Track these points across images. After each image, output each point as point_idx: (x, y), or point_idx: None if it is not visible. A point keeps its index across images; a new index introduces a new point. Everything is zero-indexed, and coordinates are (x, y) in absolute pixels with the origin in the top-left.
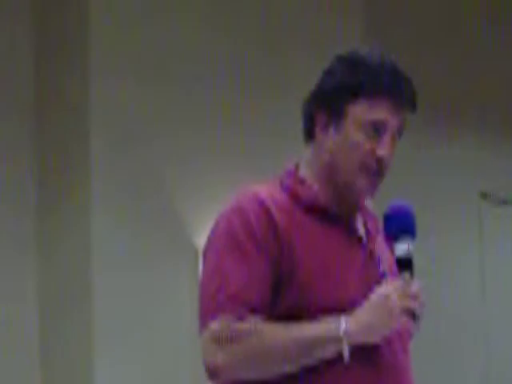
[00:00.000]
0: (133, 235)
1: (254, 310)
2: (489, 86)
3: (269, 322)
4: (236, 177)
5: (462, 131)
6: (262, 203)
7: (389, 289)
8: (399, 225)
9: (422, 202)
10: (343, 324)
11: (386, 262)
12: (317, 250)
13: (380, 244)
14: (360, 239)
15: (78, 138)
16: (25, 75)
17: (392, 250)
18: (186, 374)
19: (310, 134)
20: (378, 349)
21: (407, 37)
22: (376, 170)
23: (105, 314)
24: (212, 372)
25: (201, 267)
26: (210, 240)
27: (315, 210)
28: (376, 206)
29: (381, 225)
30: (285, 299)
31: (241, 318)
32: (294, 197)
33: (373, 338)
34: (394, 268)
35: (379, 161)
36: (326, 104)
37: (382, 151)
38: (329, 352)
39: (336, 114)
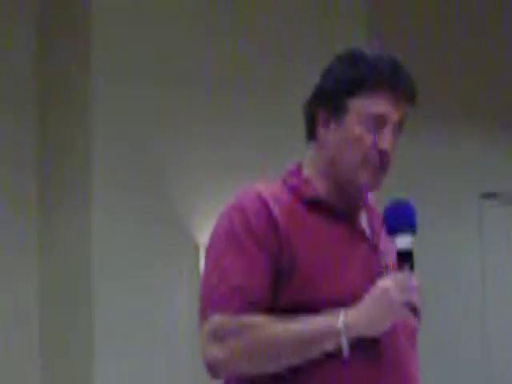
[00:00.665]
0: (133, 233)
1: (253, 305)
2: (490, 86)
3: (268, 317)
4: (237, 174)
5: (463, 131)
6: (262, 201)
7: (389, 282)
8: (400, 219)
9: (422, 201)
10: (342, 317)
11: (390, 258)
12: (318, 247)
13: (384, 240)
14: (363, 235)
15: (79, 136)
16: (27, 73)
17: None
18: (186, 371)
19: (311, 134)
20: (380, 343)
21: (411, 39)
22: (378, 164)
23: (105, 311)
24: (211, 367)
25: (202, 264)
26: (211, 238)
27: (318, 207)
28: (377, 203)
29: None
30: (285, 294)
31: (240, 313)
32: (297, 195)
33: (372, 332)
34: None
35: (381, 154)
36: (327, 100)
37: (384, 144)
38: (328, 346)
39: (337, 110)
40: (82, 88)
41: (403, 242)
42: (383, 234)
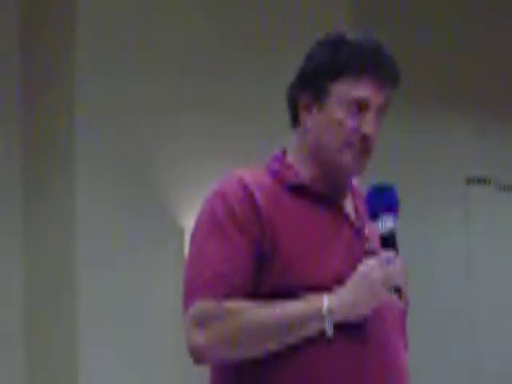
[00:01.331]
0: (118, 218)
1: (235, 291)
2: (476, 72)
3: (251, 302)
4: (222, 159)
5: (448, 116)
6: (244, 186)
7: (370, 265)
8: (382, 202)
9: (408, 186)
10: (326, 301)
11: (376, 243)
12: (301, 232)
13: (370, 225)
14: (348, 220)
15: (63, 120)
16: (12, 59)
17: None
18: (171, 356)
19: (294, 120)
20: (364, 326)
21: (395, 25)
22: (361, 148)
23: (90, 297)
24: (195, 354)
25: (187, 249)
26: (194, 225)
27: (301, 192)
28: (363, 190)
29: None
30: (268, 279)
31: (222, 299)
32: (279, 180)
33: (356, 315)
34: None
35: (364, 138)
36: (309, 85)
37: (366, 128)
38: (312, 330)
39: (318, 94)
40: (69, 71)
41: (386, 225)
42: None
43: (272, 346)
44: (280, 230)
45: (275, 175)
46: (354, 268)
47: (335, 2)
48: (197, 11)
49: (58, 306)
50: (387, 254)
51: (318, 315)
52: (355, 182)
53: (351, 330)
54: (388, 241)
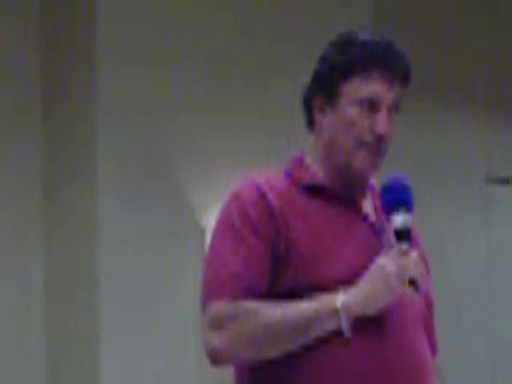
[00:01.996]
0: (139, 215)
1: (250, 291)
2: (498, 70)
3: (267, 302)
4: (243, 158)
5: (468, 112)
6: (256, 188)
7: (385, 259)
8: (396, 196)
9: (427, 182)
10: (341, 297)
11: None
12: (316, 231)
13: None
14: (366, 219)
15: (84, 116)
16: (31, 52)
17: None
18: (191, 353)
19: (310, 122)
20: (381, 321)
21: (415, 24)
22: (375, 147)
23: (110, 292)
24: (212, 355)
25: (206, 248)
26: (213, 228)
27: (318, 193)
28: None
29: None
30: (284, 278)
31: (237, 300)
32: (296, 182)
33: (372, 309)
34: None
35: (378, 137)
36: (322, 86)
37: (379, 127)
38: (328, 327)
39: (331, 95)
40: (89, 67)
41: (400, 219)
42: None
43: (289, 345)
44: (294, 230)
45: (291, 177)
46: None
47: (356, 2)
48: (217, 10)
49: (78, 302)
50: (401, 247)
51: (334, 312)
52: (374, 181)
53: (368, 325)
54: (402, 234)
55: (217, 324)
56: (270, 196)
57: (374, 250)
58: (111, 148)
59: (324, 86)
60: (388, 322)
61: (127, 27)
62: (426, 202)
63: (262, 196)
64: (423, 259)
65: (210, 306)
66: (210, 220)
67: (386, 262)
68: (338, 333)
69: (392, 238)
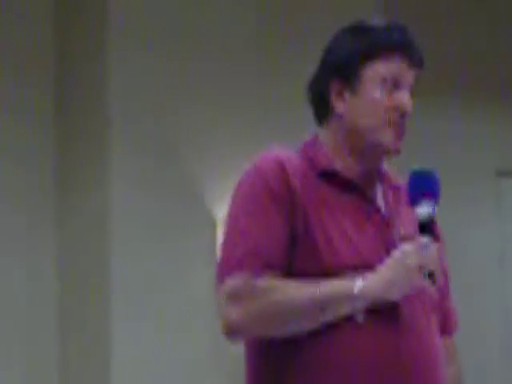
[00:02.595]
0: (151, 206)
1: (271, 267)
2: (505, 61)
3: (285, 280)
4: (256, 148)
5: (480, 107)
6: (280, 165)
7: (408, 248)
8: (423, 188)
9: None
10: (359, 282)
11: (408, 228)
12: (331, 216)
13: (404, 213)
14: (376, 207)
15: (96, 108)
16: (44, 42)
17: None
18: (202, 342)
19: (323, 110)
20: (396, 309)
21: (422, 10)
22: (401, 125)
23: (122, 286)
24: (228, 328)
25: (219, 239)
26: (230, 202)
27: (332, 178)
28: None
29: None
30: (299, 259)
31: (258, 275)
32: (312, 165)
33: (388, 297)
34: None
35: (402, 114)
36: (339, 72)
37: (404, 105)
38: (344, 310)
39: (351, 79)
40: (100, 58)
41: (425, 210)
42: (401, 205)
43: (304, 324)
44: (311, 210)
45: (308, 160)
46: (380, 253)
47: None
48: (230, 3)
49: (90, 292)
50: (423, 239)
51: (351, 296)
52: (385, 167)
53: (382, 313)
54: (425, 227)
55: (235, 298)
56: (291, 174)
57: (384, 238)
58: (124, 139)
59: (342, 72)
60: (401, 311)
61: (140, 20)
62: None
63: (285, 173)
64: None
65: (228, 280)
66: (223, 212)
67: (408, 254)
68: (352, 318)
69: (410, 227)
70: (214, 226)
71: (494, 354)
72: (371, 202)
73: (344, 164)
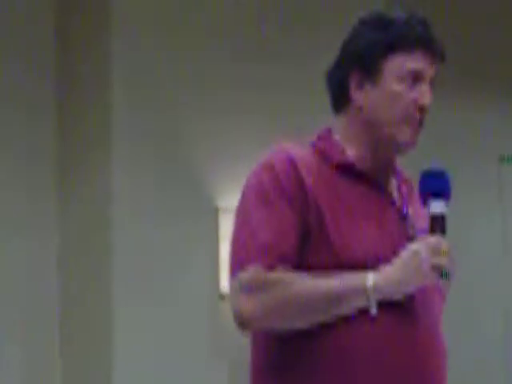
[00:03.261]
0: (153, 193)
1: (282, 262)
2: (508, 49)
3: (298, 273)
4: (258, 136)
5: (483, 94)
6: (291, 161)
7: (419, 245)
8: (435, 185)
9: (441, 163)
10: (371, 278)
11: (420, 223)
12: (345, 209)
13: (416, 208)
14: (391, 200)
15: (98, 96)
16: (46, 28)
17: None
18: (203, 329)
19: (341, 100)
20: (410, 300)
21: (433, 3)
22: (418, 121)
23: (124, 273)
24: (240, 321)
25: (221, 227)
26: (241, 195)
27: (346, 171)
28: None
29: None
30: (312, 253)
31: (270, 268)
32: (325, 158)
33: (400, 292)
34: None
35: (421, 110)
36: (360, 63)
37: (424, 100)
38: (357, 304)
39: (371, 71)
40: (103, 44)
41: (437, 206)
42: (414, 200)
43: (316, 318)
44: (324, 205)
45: (322, 153)
46: (398, 249)
47: None
48: None
49: (92, 282)
50: (436, 236)
51: (363, 290)
52: (400, 167)
53: (396, 305)
54: (438, 222)
55: (249, 289)
56: (302, 168)
57: (399, 233)
58: (126, 126)
59: (363, 64)
60: (415, 302)
61: (144, 6)
62: None
63: (295, 169)
64: None
65: (240, 272)
66: (225, 200)
67: (420, 249)
68: (365, 312)
69: (421, 224)
70: (215, 213)
71: (495, 341)
72: (386, 194)
73: (358, 155)
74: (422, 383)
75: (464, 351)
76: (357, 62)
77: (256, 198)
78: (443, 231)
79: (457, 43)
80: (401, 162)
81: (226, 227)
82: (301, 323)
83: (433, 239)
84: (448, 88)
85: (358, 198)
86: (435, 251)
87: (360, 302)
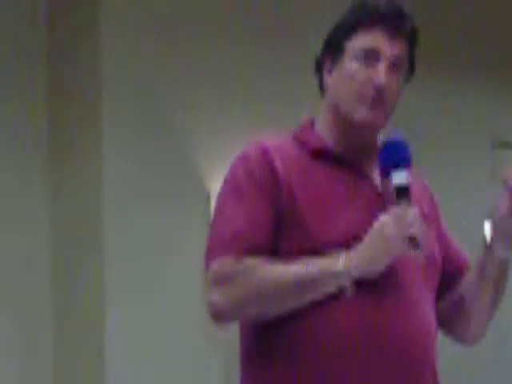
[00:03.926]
0: (145, 179)
1: (254, 249)
2: (503, 34)
3: (269, 260)
4: (248, 122)
5: (474, 79)
6: (264, 151)
7: (385, 218)
8: (393, 155)
9: (433, 149)
10: (343, 259)
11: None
12: (321, 195)
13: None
14: (371, 182)
15: (89, 82)
16: (38, 25)
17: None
18: (195, 317)
19: (321, 88)
20: (384, 283)
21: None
22: (375, 99)
23: (116, 258)
24: (213, 312)
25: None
26: (220, 188)
27: (324, 157)
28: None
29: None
30: (286, 240)
31: (240, 257)
32: (302, 143)
33: (372, 271)
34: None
35: (377, 89)
36: (329, 48)
37: (377, 79)
38: (330, 287)
39: (337, 54)
40: (92, 34)
41: (398, 177)
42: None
43: (290, 303)
44: (298, 192)
45: (300, 142)
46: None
47: None
48: None
49: (84, 268)
50: (402, 207)
51: (335, 272)
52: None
53: (372, 289)
54: (401, 193)
55: (219, 280)
56: (276, 157)
57: (378, 213)
58: (117, 113)
59: (331, 47)
60: (390, 284)
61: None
62: (433, 165)
63: (268, 158)
64: (435, 218)
65: (212, 262)
66: (216, 184)
67: (384, 223)
68: (338, 295)
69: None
70: (207, 198)
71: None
72: (366, 177)
73: (335, 140)
74: (406, 365)
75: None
76: (327, 47)
77: (229, 190)
78: (408, 199)
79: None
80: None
81: None
82: (274, 310)
83: (398, 210)
84: (441, 70)
85: (335, 182)
86: (402, 222)
87: (332, 286)
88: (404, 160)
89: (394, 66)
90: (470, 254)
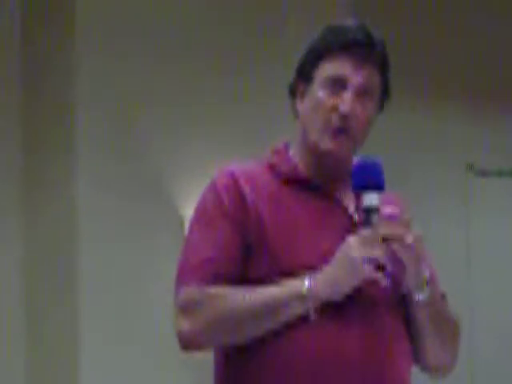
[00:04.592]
0: (119, 205)
1: (220, 277)
2: (475, 60)
3: (234, 287)
4: (223, 148)
5: (448, 104)
6: (232, 178)
7: (351, 240)
8: (366, 177)
9: (408, 173)
10: (307, 282)
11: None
12: (291, 221)
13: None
14: (342, 207)
15: (64, 108)
16: (12, 45)
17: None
18: (169, 341)
19: (295, 113)
20: (349, 306)
21: (396, 11)
22: (340, 128)
23: (90, 285)
24: (181, 340)
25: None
26: (191, 216)
27: (296, 183)
28: None
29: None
30: (256, 266)
31: (205, 285)
32: (273, 170)
33: (337, 295)
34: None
35: (342, 117)
36: (300, 75)
37: (342, 106)
38: (295, 311)
39: (307, 81)
40: (66, 60)
41: (369, 199)
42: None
43: (255, 330)
44: (267, 219)
45: (272, 168)
46: None
47: None
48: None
49: (58, 295)
50: (369, 229)
51: (299, 296)
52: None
53: (334, 311)
54: (370, 214)
55: (185, 309)
56: (244, 184)
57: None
58: (91, 137)
59: (302, 74)
60: (356, 306)
61: (110, 16)
62: (407, 190)
63: (236, 185)
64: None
65: (180, 291)
66: (190, 209)
67: (350, 245)
68: (304, 318)
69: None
70: (181, 224)
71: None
72: (338, 203)
73: (307, 165)
74: None
75: None
76: (298, 73)
77: (198, 217)
78: (375, 223)
79: (424, 55)
80: None
81: None
82: (242, 335)
83: (364, 232)
84: (416, 96)
85: (305, 208)
86: (367, 244)
87: (298, 309)
88: (375, 181)
89: (362, 94)
90: (443, 279)
